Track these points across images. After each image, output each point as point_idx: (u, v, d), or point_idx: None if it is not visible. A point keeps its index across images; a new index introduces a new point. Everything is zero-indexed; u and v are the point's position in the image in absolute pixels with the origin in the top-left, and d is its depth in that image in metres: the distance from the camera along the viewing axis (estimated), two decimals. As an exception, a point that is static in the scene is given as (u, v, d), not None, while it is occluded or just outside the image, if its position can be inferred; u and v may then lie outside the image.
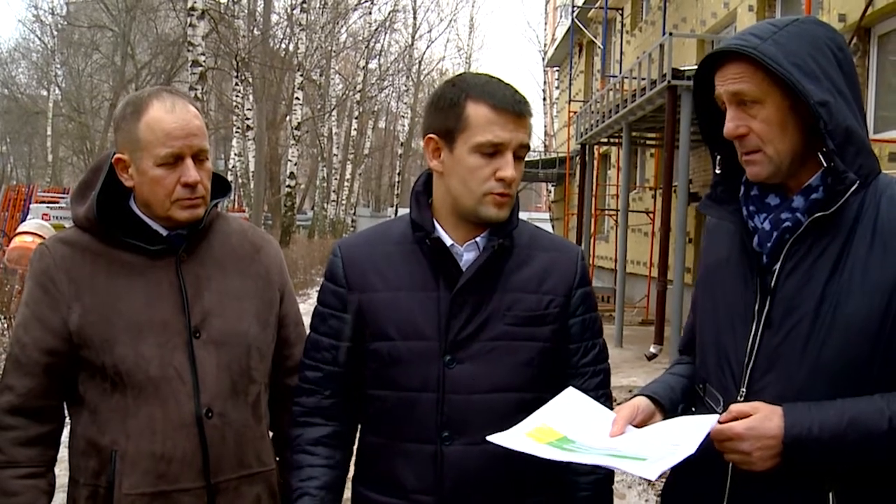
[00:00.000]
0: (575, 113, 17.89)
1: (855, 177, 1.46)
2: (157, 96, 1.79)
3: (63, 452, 1.84)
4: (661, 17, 15.19)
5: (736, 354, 1.56)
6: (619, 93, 12.08)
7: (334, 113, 33.44)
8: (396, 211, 36.11)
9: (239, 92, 23.50)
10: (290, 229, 23.79)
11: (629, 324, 12.76)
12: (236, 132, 25.35)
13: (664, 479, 1.75)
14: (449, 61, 58.54)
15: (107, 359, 1.75)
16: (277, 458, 1.94)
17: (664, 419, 1.60)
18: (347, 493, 1.80)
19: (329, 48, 30.53)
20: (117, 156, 1.81)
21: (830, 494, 1.45)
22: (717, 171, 1.66)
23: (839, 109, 1.45)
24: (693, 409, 1.65)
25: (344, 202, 37.03)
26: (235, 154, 26.12)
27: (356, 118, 34.86)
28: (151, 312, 1.78)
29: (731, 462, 1.47)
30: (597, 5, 20.09)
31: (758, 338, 1.53)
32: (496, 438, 1.52)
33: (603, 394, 1.78)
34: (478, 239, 1.73)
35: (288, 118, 26.29)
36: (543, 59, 38.04)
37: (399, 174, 39.21)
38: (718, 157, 1.65)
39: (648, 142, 14.24)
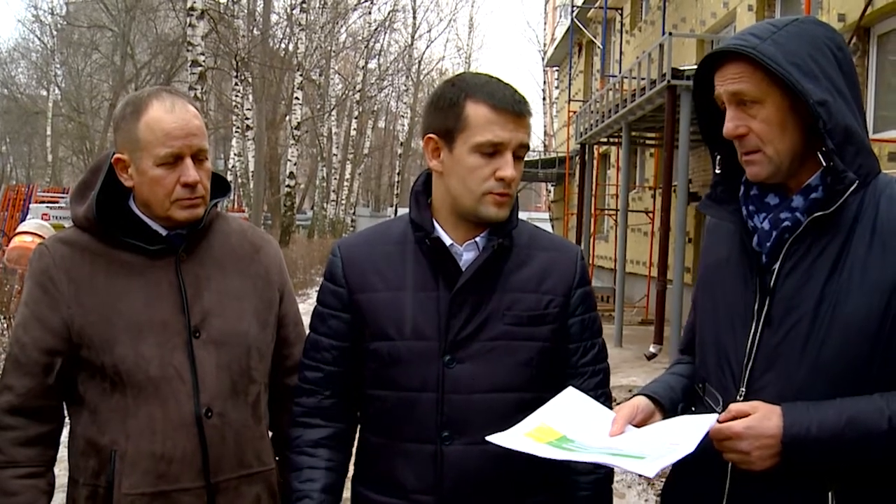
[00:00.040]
0: (574, 113, 17.90)
1: (854, 176, 1.46)
2: (156, 96, 1.79)
3: (62, 452, 1.84)
4: (661, 17, 15.19)
5: (735, 354, 1.56)
6: (619, 92, 12.08)
7: (334, 113, 33.44)
8: (396, 211, 36.11)
9: (238, 92, 23.50)
10: (290, 229, 23.79)
11: (629, 323, 12.77)
12: (236, 132, 25.35)
13: (664, 479, 1.75)
14: (448, 61, 58.64)
15: (106, 359, 1.75)
16: (277, 458, 1.94)
17: (664, 419, 1.60)
18: (347, 493, 1.80)
19: (329, 48, 30.52)
20: (117, 156, 1.81)
21: (830, 494, 1.45)
22: (717, 171, 1.66)
23: (838, 109, 1.45)
24: (693, 409, 1.65)
25: (343, 202, 37.03)
26: (235, 154, 26.11)
27: (356, 118, 34.86)
28: (151, 312, 1.78)
29: (730, 461, 1.47)
30: (596, 5, 20.09)
31: (757, 337, 1.53)
32: (495, 438, 1.52)
33: (602, 393, 1.78)
34: (477, 239, 1.73)
35: (287, 118, 26.28)
36: (543, 58, 38.07)
37: (399, 174, 39.21)
38: (718, 157, 1.66)
39: (648, 141, 14.24)
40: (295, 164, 24.30)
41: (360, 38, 35.29)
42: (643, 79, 10.33)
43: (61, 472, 1.80)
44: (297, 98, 23.71)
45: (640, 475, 1.38)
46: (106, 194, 1.81)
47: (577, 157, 16.08)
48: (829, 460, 1.43)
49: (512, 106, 1.65)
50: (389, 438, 1.74)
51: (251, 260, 1.94)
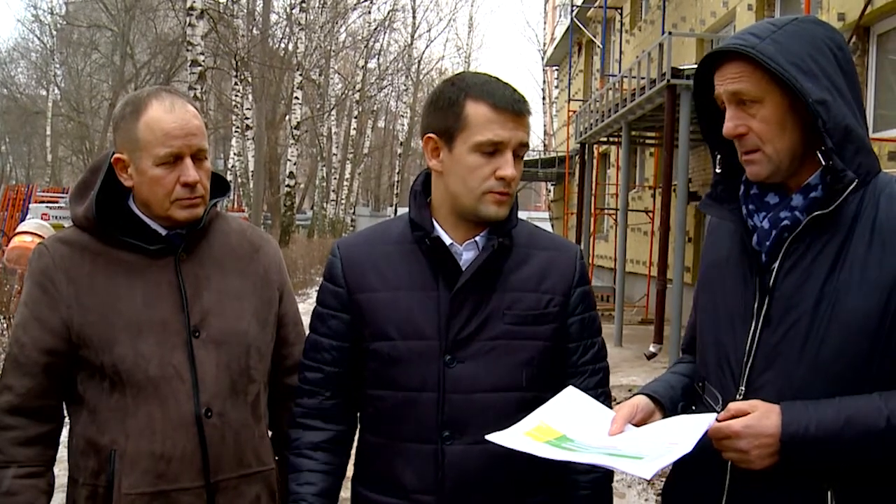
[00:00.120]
0: (574, 112, 17.89)
1: (854, 175, 1.46)
2: (156, 96, 1.79)
3: (62, 452, 1.84)
4: (661, 17, 15.19)
5: (735, 353, 1.56)
6: (619, 92, 12.07)
7: (333, 112, 33.43)
8: (396, 210, 36.11)
9: (238, 91, 23.51)
10: (290, 229, 23.79)
11: (628, 323, 12.77)
12: (235, 132, 25.35)
13: (664, 479, 1.75)
14: (448, 61, 58.63)
15: (106, 358, 1.75)
16: (277, 458, 1.94)
17: (664, 418, 1.60)
18: (346, 493, 1.80)
19: (328, 48, 30.50)
20: (116, 155, 1.81)
21: (829, 493, 1.45)
22: (717, 171, 1.66)
23: (838, 108, 1.45)
24: (693, 408, 1.66)
25: (343, 202, 37.03)
26: (235, 154, 26.11)
27: (355, 118, 34.84)
28: (151, 312, 1.78)
29: (730, 460, 1.47)
30: (596, 4, 20.10)
31: (757, 336, 1.53)
32: (495, 437, 1.52)
33: (602, 392, 1.78)
34: (477, 238, 1.73)
35: (287, 118, 26.28)
36: (543, 58, 38.08)
37: (398, 173, 39.20)
38: (718, 157, 1.66)
39: (648, 141, 14.24)
40: (295, 164, 24.30)
41: (359, 37, 35.32)
42: (643, 78, 10.32)
43: (61, 472, 1.80)
44: (296, 98, 23.71)
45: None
46: (105, 194, 1.81)
47: (577, 157, 16.08)
48: (827, 459, 1.43)
49: (512, 105, 1.65)
50: (390, 438, 1.74)
51: (250, 259, 1.94)
